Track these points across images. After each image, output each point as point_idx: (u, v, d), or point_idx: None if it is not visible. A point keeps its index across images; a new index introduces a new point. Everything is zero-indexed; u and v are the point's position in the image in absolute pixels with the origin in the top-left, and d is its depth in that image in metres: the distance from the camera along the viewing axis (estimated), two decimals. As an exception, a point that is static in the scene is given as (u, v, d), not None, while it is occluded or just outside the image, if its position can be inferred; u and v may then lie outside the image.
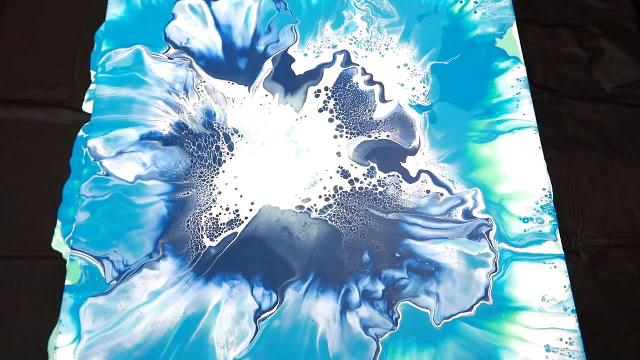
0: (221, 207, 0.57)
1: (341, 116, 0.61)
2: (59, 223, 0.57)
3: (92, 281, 0.54)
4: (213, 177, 0.58)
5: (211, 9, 0.67)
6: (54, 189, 0.58)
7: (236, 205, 0.57)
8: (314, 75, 0.63)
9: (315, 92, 0.62)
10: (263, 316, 0.52)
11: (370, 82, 0.63)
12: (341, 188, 0.58)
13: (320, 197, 0.57)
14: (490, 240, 0.55)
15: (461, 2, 0.67)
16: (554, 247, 0.55)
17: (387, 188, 0.58)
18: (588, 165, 0.59)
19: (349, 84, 0.63)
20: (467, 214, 0.56)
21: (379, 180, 0.58)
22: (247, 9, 0.67)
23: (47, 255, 0.55)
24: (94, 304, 0.53)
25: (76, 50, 0.65)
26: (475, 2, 0.67)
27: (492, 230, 0.55)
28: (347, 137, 0.60)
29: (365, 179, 0.58)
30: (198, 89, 0.62)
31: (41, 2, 0.68)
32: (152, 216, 0.56)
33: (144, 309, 0.53)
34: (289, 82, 0.63)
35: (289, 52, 0.64)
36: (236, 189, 0.58)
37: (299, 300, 0.53)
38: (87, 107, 0.62)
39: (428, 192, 0.57)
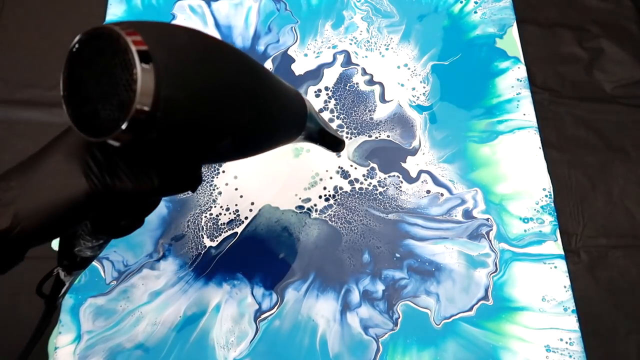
0: (221, 207, 0.57)
1: (341, 116, 0.61)
2: (58, 223, 0.57)
3: (91, 281, 0.54)
4: (213, 177, 0.58)
5: (211, 9, 0.67)
6: (54, 189, 0.58)
7: (236, 205, 0.57)
8: (314, 75, 0.63)
9: (315, 92, 0.62)
10: (263, 316, 0.52)
11: (370, 82, 0.63)
12: (341, 188, 0.58)
13: (320, 197, 0.57)
14: (490, 240, 0.55)
15: (461, 2, 0.67)
16: (554, 247, 0.55)
17: (387, 188, 0.58)
18: (588, 165, 0.59)
19: (349, 84, 0.63)
20: (467, 214, 0.56)
21: (379, 181, 0.58)
22: (247, 9, 0.67)
23: (46, 255, 0.55)
24: (94, 304, 0.53)
25: (76, 50, 0.65)
26: (475, 2, 0.67)
27: (492, 230, 0.55)
28: (347, 137, 0.60)
29: (365, 179, 0.58)
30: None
31: (41, 2, 0.68)
32: (152, 216, 0.56)
33: (144, 309, 0.53)
34: (289, 82, 0.63)
35: (288, 52, 0.64)
36: (236, 189, 0.58)
37: (299, 300, 0.53)
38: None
39: (428, 192, 0.57)
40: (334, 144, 0.47)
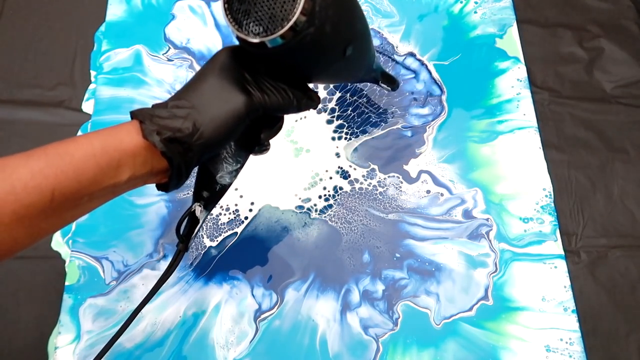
0: (221, 207, 0.57)
1: (341, 118, 0.61)
2: (58, 223, 0.57)
3: (91, 281, 0.54)
4: (213, 177, 0.58)
5: (211, 10, 0.67)
6: (53, 189, 0.58)
7: (236, 205, 0.57)
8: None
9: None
10: (263, 316, 0.52)
11: (370, 82, 0.63)
12: (341, 188, 0.58)
13: (320, 197, 0.57)
14: (490, 240, 0.55)
15: (461, 2, 0.67)
16: (554, 247, 0.55)
17: (387, 188, 0.58)
18: (588, 165, 0.59)
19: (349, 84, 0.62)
20: (467, 214, 0.56)
21: (378, 181, 0.58)
22: (247, 9, 0.67)
23: (46, 255, 0.55)
24: (94, 304, 0.53)
25: (76, 50, 0.65)
26: (475, 2, 0.67)
27: (492, 230, 0.55)
28: (345, 139, 0.60)
29: (365, 179, 0.58)
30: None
31: (41, 2, 0.68)
32: (152, 216, 0.56)
33: (144, 309, 0.52)
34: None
35: (288, 52, 0.64)
36: (236, 189, 0.58)
37: (299, 300, 0.53)
38: (86, 106, 0.62)
39: (428, 192, 0.57)
40: (392, 81, 0.56)
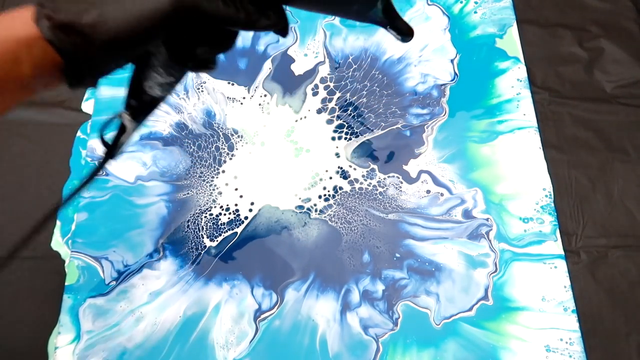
0: (221, 207, 0.57)
1: (341, 118, 0.61)
2: (58, 223, 0.57)
3: (90, 281, 0.54)
4: (213, 177, 0.58)
5: (211, 9, 0.67)
6: (54, 189, 0.58)
7: (236, 205, 0.57)
8: (311, 73, 0.63)
9: (313, 90, 0.62)
10: (263, 316, 0.52)
11: (370, 82, 0.63)
12: (341, 188, 0.58)
13: (320, 197, 0.57)
14: (490, 240, 0.55)
15: (461, 2, 0.67)
16: (554, 247, 0.54)
17: (387, 188, 0.58)
18: (588, 165, 0.59)
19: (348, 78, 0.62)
20: (467, 214, 0.56)
21: (378, 181, 0.58)
22: (247, 9, 0.67)
23: (46, 255, 0.55)
24: (93, 304, 0.53)
25: (76, 50, 0.65)
26: (475, 2, 0.67)
27: (491, 230, 0.55)
28: (345, 139, 0.60)
29: (365, 179, 0.58)
30: (198, 89, 0.62)
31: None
32: (152, 216, 0.56)
33: (144, 309, 0.53)
34: (289, 81, 0.63)
35: (288, 52, 0.64)
36: (236, 189, 0.58)
37: (299, 300, 0.53)
38: (86, 106, 0.62)
39: (428, 192, 0.57)
40: (402, 27, 0.42)
